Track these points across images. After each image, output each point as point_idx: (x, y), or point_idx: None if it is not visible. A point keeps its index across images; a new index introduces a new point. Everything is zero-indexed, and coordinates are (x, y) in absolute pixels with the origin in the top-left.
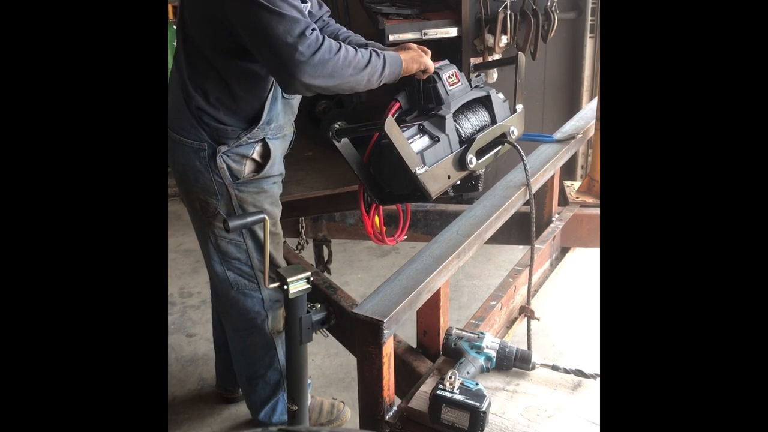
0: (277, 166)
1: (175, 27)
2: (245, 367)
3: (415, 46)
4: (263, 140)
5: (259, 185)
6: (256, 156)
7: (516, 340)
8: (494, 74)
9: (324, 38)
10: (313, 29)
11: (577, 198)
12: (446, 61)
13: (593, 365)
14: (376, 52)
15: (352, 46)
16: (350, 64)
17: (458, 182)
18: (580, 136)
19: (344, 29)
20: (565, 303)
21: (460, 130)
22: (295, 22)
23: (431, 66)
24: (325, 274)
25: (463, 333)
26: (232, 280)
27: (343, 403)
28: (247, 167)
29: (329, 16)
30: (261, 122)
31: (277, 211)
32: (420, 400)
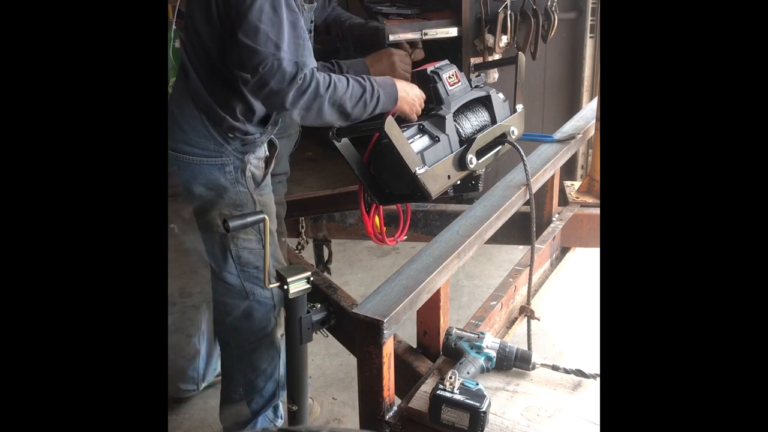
0: (283, 164)
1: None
2: (242, 383)
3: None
4: (270, 139)
5: (269, 188)
6: (268, 155)
7: (516, 340)
8: (494, 74)
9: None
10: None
11: (577, 198)
12: (446, 61)
13: (593, 365)
14: (372, 87)
15: (350, 78)
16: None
17: (458, 182)
18: (580, 136)
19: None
20: (565, 303)
21: (460, 130)
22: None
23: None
24: (325, 274)
25: (463, 333)
26: (249, 290)
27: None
28: (264, 169)
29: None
30: (270, 122)
31: (282, 210)
32: (420, 400)
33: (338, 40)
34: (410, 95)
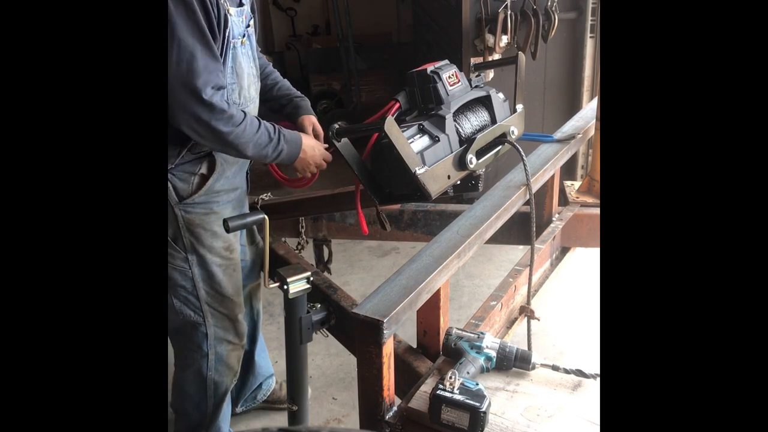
0: (224, 180)
1: None
2: (174, 397)
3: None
4: (210, 153)
5: (208, 206)
6: (204, 171)
7: (516, 340)
8: (490, 73)
9: None
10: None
11: (577, 198)
12: (446, 61)
13: (593, 365)
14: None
15: (262, 124)
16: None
17: (458, 182)
18: (580, 136)
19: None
20: (565, 303)
21: (460, 130)
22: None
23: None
24: (325, 274)
25: (463, 333)
26: (178, 308)
27: None
28: (195, 184)
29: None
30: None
31: (230, 236)
32: (420, 400)
33: (338, 40)
34: (308, 157)
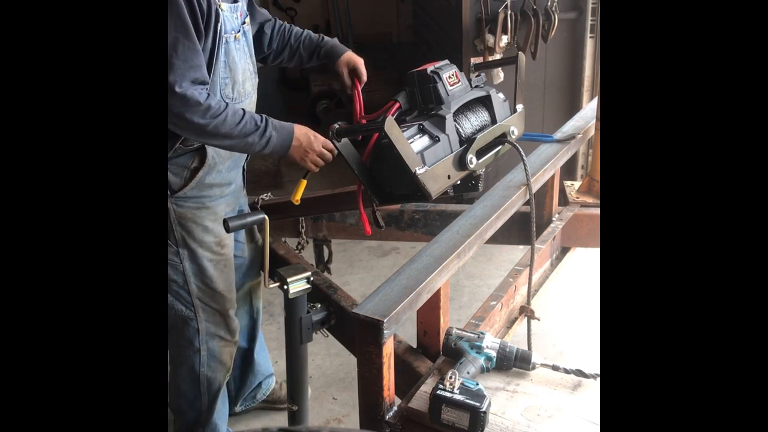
0: (216, 174)
1: None
2: (170, 396)
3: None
4: (203, 147)
5: (200, 200)
6: (196, 164)
7: (516, 340)
8: (501, 74)
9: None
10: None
11: (577, 198)
12: (446, 61)
13: (593, 365)
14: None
15: (246, 113)
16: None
17: (458, 182)
18: (580, 136)
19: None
20: (565, 303)
21: (461, 129)
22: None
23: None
24: (326, 274)
25: (464, 333)
26: (170, 303)
27: None
28: (186, 178)
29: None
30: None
31: (223, 232)
32: (420, 400)
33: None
34: (303, 145)
